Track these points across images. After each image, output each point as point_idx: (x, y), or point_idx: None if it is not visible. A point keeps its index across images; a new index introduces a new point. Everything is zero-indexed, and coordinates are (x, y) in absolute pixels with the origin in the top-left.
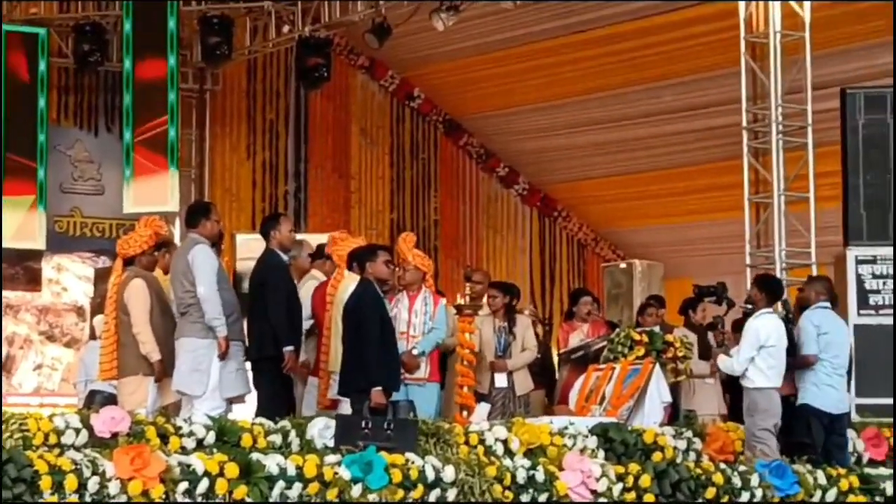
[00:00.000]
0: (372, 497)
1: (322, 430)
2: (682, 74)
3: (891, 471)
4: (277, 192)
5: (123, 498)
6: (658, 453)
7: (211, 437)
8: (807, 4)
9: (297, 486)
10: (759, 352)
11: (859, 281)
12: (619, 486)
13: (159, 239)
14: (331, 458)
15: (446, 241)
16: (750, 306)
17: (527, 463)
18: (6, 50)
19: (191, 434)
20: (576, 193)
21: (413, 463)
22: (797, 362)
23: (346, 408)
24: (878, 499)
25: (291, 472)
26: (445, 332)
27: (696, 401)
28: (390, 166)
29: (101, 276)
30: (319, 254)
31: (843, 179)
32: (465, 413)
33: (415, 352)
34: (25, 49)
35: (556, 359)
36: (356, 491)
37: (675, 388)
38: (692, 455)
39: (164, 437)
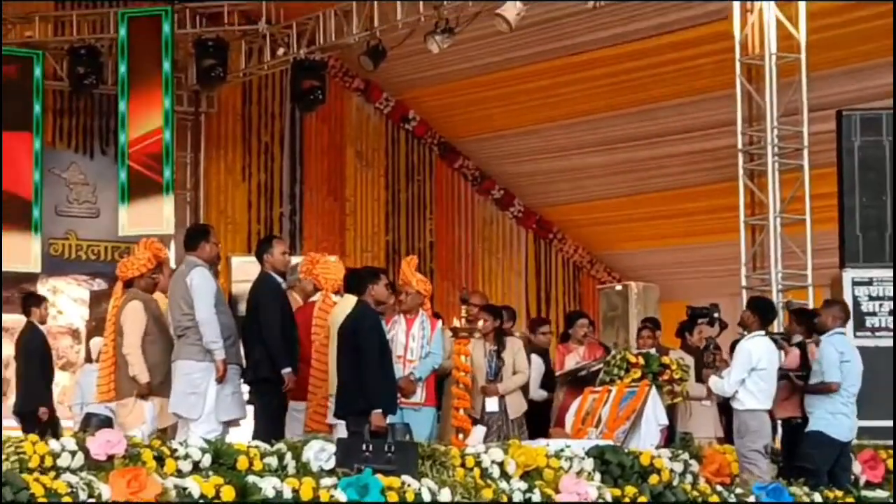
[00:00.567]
0: None
1: (318, 452)
2: (677, 97)
3: (887, 493)
4: (273, 214)
5: None
6: (655, 476)
7: (207, 460)
8: (802, 27)
9: None
10: (750, 374)
11: (856, 303)
12: None
13: (158, 261)
14: (327, 481)
15: (442, 263)
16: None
17: (523, 486)
18: (1, 72)
19: (187, 457)
20: (571, 216)
21: (409, 486)
22: (818, 388)
23: (340, 431)
24: None
25: (287, 495)
26: (442, 357)
27: (692, 423)
28: (385, 188)
29: (96, 299)
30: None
31: (839, 201)
32: (461, 436)
33: (412, 377)
34: (20, 72)
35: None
36: None
37: (671, 411)
38: (689, 477)
39: (160, 460)
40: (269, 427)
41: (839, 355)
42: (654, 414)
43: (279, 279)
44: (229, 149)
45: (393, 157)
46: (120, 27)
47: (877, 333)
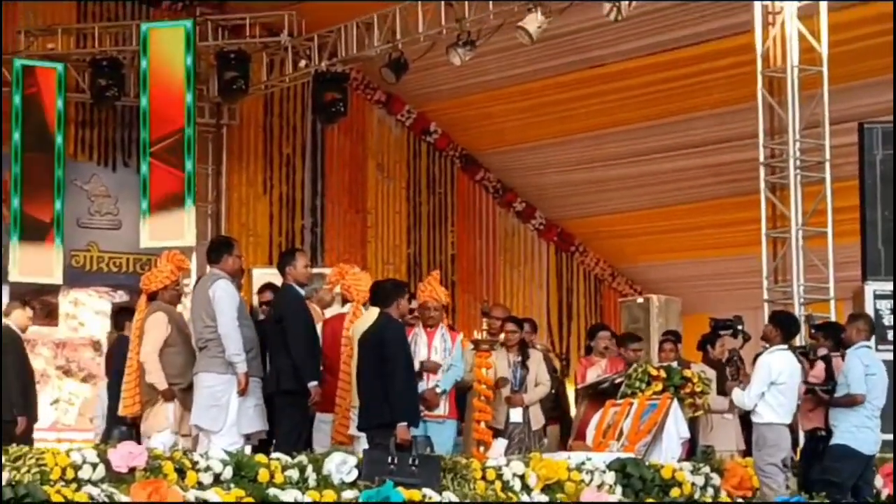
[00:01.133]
0: None
1: (339, 465)
2: (699, 109)
3: None
4: (294, 226)
5: None
6: (676, 489)
7: (228, 472)
8: (824, 39)
9: None
10: (769, 388)
11: (877, 316)
12: None
13: (182, 273)
14: (348, 494)
15: (463, 275)
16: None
17: (544, 498)
18: (24, 85)
19: (208, 469)
20: (593, 228)
21: (431, 498)
22: (844, 401)
23: (362, 442)
24: None
25: None
26: (463, 370)
27: (714, 436)
28: (407, 201)
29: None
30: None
31: (861, 214)
32: (482, 448)
33: (437, 389)
34: (42, 84)
35: (570, 394)
36: None
37: (693, 424)
38: (710, 491)
39: (181, 472)
40: (291, 439)
41: (864, 368)
42: (676, 427)
43: (301, 291)
44: (251, 161)
45: (414, 169)
46: (141, 40)
47: None
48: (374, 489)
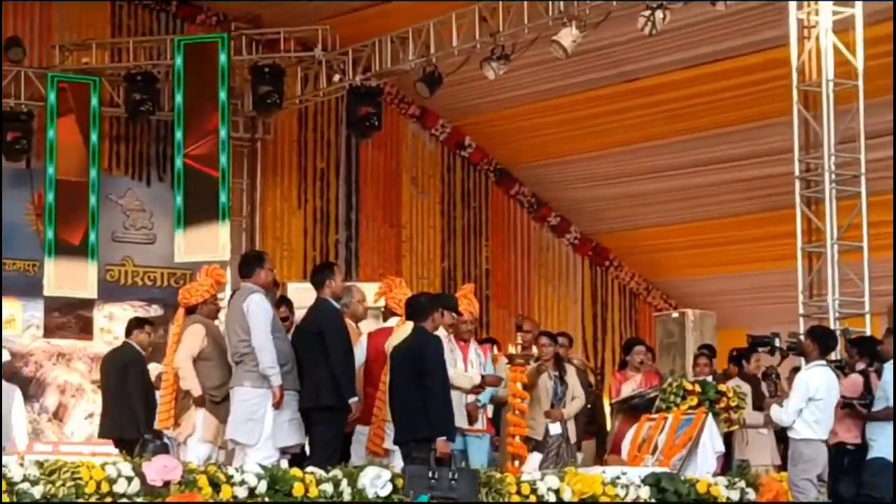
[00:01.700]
0: None
1: (374, 479)
2: (734, 123)
3: None
4: (328, 241)
5: None
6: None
7: (263, 486)
8: (860, 53)
9: None
10: (807, 404)
11: None
12: None
13: (220, 287)
14: None
15: (498, 290)
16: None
17: None
18: (58, 100)
19: (243, 483)
20: (628, 243)
21: None
22: (881, 414)
23: (395, 456)
24: None
25: None
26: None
27: (749, 451)
28: (441, 215)
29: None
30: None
31: None
32: (516, 463)
33: (478, 403)
34: (77, 98)
35: (606, 408)
36: None
37: (728, 438)
38: None
39: (215, 486)
40: (326, 453)
41: None
42: (711, 441)
43: (337, 305)
44: (285, 175)
45: (449, 183)
46: (176, 54)
47: None
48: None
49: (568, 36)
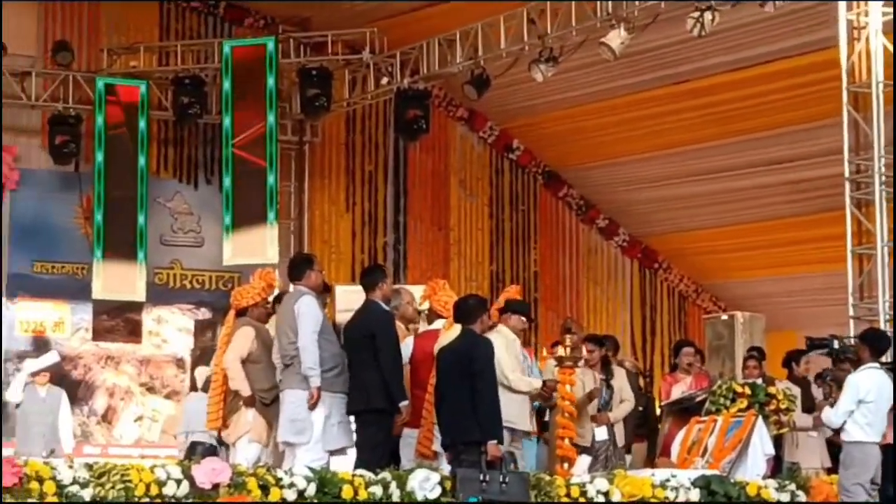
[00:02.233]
0: None
1: (422, 481)
2: (784, 125)
3: None
4: (376, 243)
5: None
6: None
7: (312, 489)
8: None
9: None
10: (858, 406)
11: None
12: None
13: (272, 291)
14: None
15: (546, 292)
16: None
17: None
18: (107, 103)
19: (292, 485)
20: (677, 245)
21: None
22: None
23: (443, 458)
24: None
25: None
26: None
27: (799, 453)
28: (489, 217)
29: (200, 328)
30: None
31: None
32: (565, 465)
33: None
34: (125, 102)
35: (657, 411)
36: None
37: (777, 441)
38: None
39: (265, 489)
40: (375, 456)
41: None
42: (761, 444)
43: (387, 308)
44: (333, 178)
45: (497, 186)
46: (224, 57)
47: None
48: None
49: (616, 38)
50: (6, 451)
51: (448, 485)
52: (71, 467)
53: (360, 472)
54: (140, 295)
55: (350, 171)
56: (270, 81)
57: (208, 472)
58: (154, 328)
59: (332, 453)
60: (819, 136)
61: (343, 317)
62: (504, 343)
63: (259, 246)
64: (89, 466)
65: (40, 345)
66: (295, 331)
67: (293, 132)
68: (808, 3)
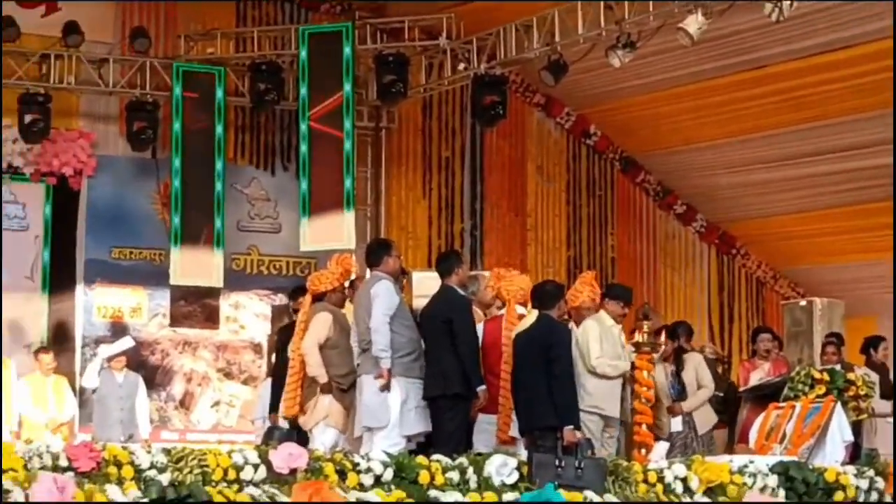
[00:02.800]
0: None
1: (500, 467)
2: (863, 110)
3: None
4: (453, 229)
5: None
6: (840, 493)
7: (389, 474)
8: None
9: None
10: None
11: None
12: None
13: (349, 276)
14: (509, 496)
15: (623, 278)
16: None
17: (706, 501)
18: (184, 90)
19: (369, 471)
20: (755, 231)
21: (591, 501)
22: None
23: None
24: None
25: None
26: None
27: (878, 440)
28: (566, 203)
29: (277, 314)
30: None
31: None
32: (643, 451)
33: None
34: (202, 88)
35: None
36: None
37: (857, 427)
38: (874, 495)
39: (342, 474)
40: (453, 441)
41: None
42: (840, 430)
43: (463, 293)
44: (409, 164)
45: (574, 171)
46: (301, 44)
47: None
48: (534, 491)
49: (694, 23)
50: (84, 436)
51: (525, 470)
52: (149, 452)
53: (437, 457)
54: (217, 281)
55: (427, 157)
56: (347, 50)
57: (285, 457)
58: (231, 314)
59: (408, 438)
60: None
61: (420, 302)
62: (599, 329)
63: (336, 232)
64: (167, 451)
65: (118, 331)
66: (371, 314)
67: (369, 118)
68: None
